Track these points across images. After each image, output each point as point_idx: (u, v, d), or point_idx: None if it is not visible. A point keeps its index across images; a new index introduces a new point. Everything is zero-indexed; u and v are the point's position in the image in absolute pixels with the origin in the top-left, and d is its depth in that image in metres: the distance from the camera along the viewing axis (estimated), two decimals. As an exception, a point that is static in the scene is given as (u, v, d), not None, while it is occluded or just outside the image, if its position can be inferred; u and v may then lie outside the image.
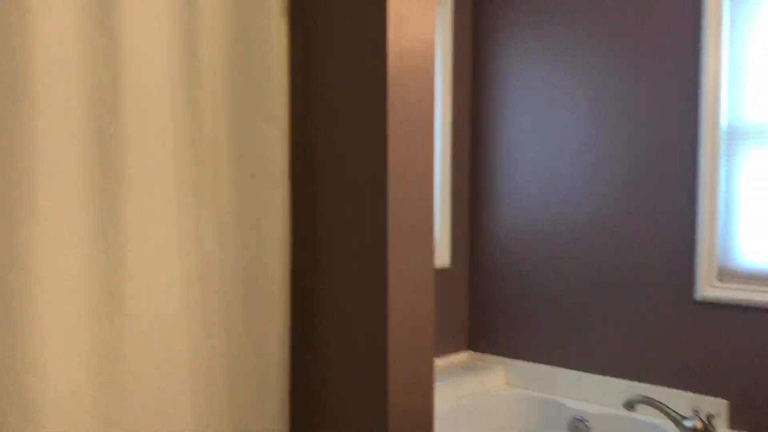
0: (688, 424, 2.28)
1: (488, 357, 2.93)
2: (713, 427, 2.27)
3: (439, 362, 2.86)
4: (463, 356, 2.97)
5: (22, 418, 1.10)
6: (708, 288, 2.37)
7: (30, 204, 1.12)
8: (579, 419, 2.57)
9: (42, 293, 1.13)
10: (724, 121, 2.35)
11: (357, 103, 1.39)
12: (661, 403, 2.36)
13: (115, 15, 1.22)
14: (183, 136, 1.33)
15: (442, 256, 2.87)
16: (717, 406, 2.34)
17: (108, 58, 1.22)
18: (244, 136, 1.43)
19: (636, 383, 2.52)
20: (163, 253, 1.28)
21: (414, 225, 1.39)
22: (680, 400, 2.41)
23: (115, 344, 1.22)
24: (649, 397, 2.38)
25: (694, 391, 2.40)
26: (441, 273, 2.87)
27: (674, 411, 2.35)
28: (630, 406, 2.39)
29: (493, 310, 2.92)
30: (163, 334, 1.28)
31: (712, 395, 2.36)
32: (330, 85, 1.44)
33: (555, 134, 2.72)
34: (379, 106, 1.35)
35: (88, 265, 1.19)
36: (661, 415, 2.41)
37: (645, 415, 2.47)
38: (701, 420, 2.27)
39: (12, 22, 1.11)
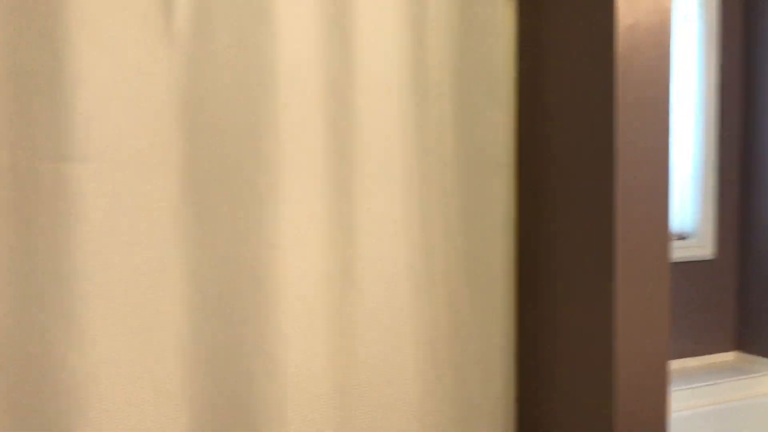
0: None
1: (760, 359, 2.61)
2: None
3: (699, 362, 2.62)
4: (729, 357, 2.68)
5: (268, 373, 1.25)
6: None
7: (277, 189, 1.26)
8: None
9: (286, 266, 1.26)
10: None
11: (584, 84, 1.32)
12: None
13: (349, 13, 1.31)
14: (410, 124, 1.38)
15: (704, 245, 2.61)
16: None
17: (342, 54, 1.31)
18: (470, 123, 1.44)
19: None
20: (391, 235, 1.35)
21: (646, 215, 1.29)
22: None
23: (347, 315, 1.32)
24: None
25: None
26: (702, 265, 2.62)
27: None
28: None
29: None
30: (391, 310, 1.35)
31: None
32: (556, 67, 1.39)
33: None
34: (607, 85, 1.27)
35: (325, 243, 1.30)
36: None
37: None
38: None
39: (261, 30, 1.25)
